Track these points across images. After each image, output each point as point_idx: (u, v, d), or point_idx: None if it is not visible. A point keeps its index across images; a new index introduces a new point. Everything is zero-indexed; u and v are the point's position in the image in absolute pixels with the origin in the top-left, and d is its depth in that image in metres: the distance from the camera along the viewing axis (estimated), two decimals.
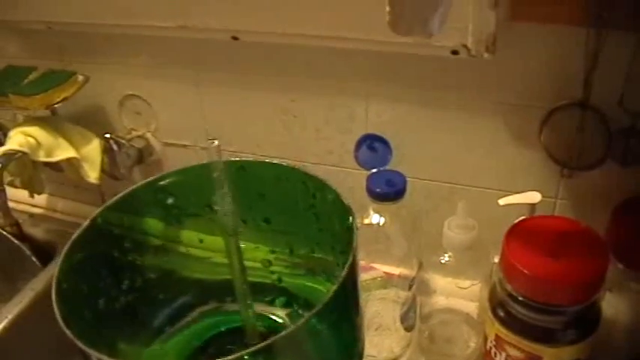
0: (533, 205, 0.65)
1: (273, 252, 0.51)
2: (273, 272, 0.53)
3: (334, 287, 0.35)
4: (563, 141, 0.66)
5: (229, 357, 0.32)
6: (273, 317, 0.39)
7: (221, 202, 0.41)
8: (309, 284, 0.53)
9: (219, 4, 0.69)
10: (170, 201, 0.49)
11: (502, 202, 0.65)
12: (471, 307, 0.74)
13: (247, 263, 0.45)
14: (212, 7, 0.69)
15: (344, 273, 0.36)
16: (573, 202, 0.71)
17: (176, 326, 0.49)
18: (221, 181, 0.40)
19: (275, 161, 0.47)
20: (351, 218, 0.43)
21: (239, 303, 0.45)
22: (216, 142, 0.38)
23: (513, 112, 0.68)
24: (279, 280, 0.51)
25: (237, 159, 0.45)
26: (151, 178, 0.49)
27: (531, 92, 0.66)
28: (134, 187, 0.48)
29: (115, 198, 0.47)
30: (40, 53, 0.92)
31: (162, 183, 0.49)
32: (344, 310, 0.44)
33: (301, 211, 0.48)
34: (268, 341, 0.34)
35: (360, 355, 0.48)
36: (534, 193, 0.65)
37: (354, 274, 0.43)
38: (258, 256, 0.50)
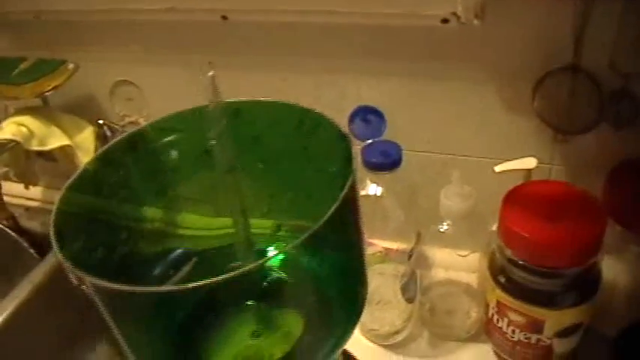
0: (529, 171, 0.65)
1: (271, 197, 0.51)
2: (272, 221, 0.53)
3: (335, 204, 0.35)
4: (556, 106, 0.66)
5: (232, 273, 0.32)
6: (275, 274, 0.40)
7: (217, 137, 0.41)
8: None
9: None
10: (172, 153, 0.49)
11: (498, 168, 0.66)
12: (471, 278, 0.74)
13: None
14: None
15: (345, 190, 0.36)
16: (568, 167, 0.71)
17: (173, 279, 0.49)
18: (217, 114, 0.40)
19: (270, 100, 0.48)
20: (347, 143, 0.43)
21: (239, 250, 0.45)
22: (212, 72, 0.38)
23: (505, 79, 0.68)
24: (279, 228, 0.51)
25: (233, 100, 0.45)
26: (151, 122, 0.48)
27: (522, 59, 0.66)
28: (131, 131, 0.47)
29: (109, 144, 0.46)
30: (29, 44, 0.92)
31: (164, 131, 0.49)
32: (344, 237, 0.44)
33: (298, 150, 0.48)
34: (266, 258, 0.34)
35: (364, 296, 0.48)
36: (530, 158, 0.65)
37: (355, 195, 0.43)
38: (258, 207, 0.50)
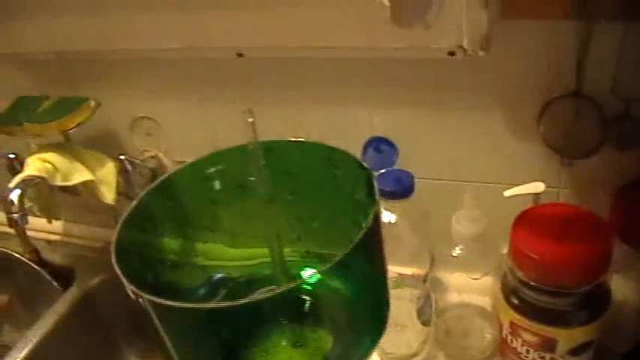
0: (537, 195, 0.67)
1: (300, 225, 0.54)
2: (301, 247, 0.56)
3: (362, 230, 0.38)
4: (562, 131, 0.68)
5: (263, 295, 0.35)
6: (305, 297, 0.43)
7: (256, 174, 0.44)
8: None
9: (224, 23, 0.71)
10: (216, 185, 0.52)
11: (507, 193, 0.67)
12: (484, 301, 0.76)
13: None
14: (216, 26, 0.72)
15: (370, 218, 0.39)
16: (575, 189, 0.73)
17: (216, 299, 0.52)
18: (256, 154, 0.43)
19: (300, 139, 0.51)
20: (369, 177, 0.46)
21: (274, 274, 0.48)
22: (252, 119, 0.42)
23: (510, 106, 0.70)
24: (307, 253, 0.54)
25: (265, 140, 0.48)
26: (192, 161, 0.52)
27: (526, 86, 0.68)
28: (177, 169, 0.51)
29: (157, 181, 0.49)
30: (51, 83, 0.94)
31: (206, 167, 0.52)
32: (369, 261, 0.47)
33: (325, 183, 0.51)
34: (304, 279, 0.36)
35: (386, 314, 0.51)
36: (538, 183, 0.67)
37: (378, 222, 0.46)
38: (288, 235, 0.53)
